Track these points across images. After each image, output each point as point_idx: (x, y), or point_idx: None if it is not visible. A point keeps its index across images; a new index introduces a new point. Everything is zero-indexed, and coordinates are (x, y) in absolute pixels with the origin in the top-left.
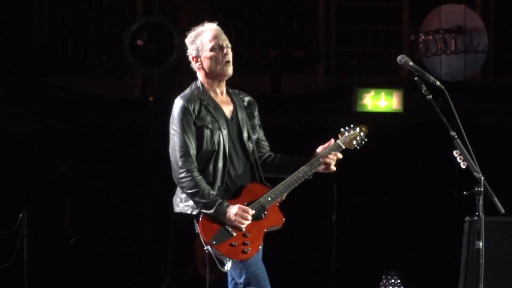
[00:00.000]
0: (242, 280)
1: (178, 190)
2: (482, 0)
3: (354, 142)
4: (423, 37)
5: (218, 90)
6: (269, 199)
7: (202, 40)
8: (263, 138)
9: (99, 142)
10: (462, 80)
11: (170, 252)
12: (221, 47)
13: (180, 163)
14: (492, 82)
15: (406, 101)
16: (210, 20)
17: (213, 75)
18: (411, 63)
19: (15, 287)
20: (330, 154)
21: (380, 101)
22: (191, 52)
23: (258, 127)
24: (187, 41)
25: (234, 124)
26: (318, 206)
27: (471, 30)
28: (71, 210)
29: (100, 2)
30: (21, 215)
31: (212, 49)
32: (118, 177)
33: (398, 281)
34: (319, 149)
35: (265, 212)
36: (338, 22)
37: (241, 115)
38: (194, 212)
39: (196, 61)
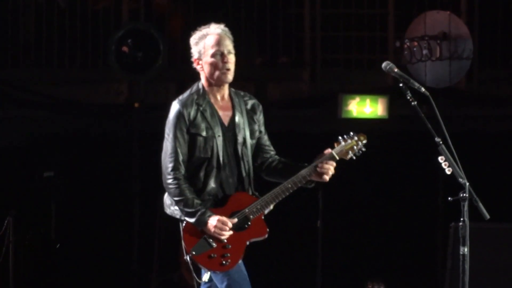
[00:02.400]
0: (223, 286)
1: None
2: (467, 6)
3: (351, 152)
4: (408, 43)
5: (218, 95)
6: (254, 210)
7: (205, 44)
8: (267, 142)
9: (85, 148)
10: (447, 87)
11: (155, 258)
12: (222, 54)
13: (169, 169)
14: (477, 88)
15: (391, 107)
16: (196, 25)
17: (212, 81)
18: (396, 70)
19: None
20: (325, 164)
21: (365, 107)
22: (193, 53)
23: (259, 132)
24: (192, 42)
25: (229, 130)
26: (303, 213)
27: (456, 37)
28: (56, 215)
29: (86, 8)
30: (6, 221)
31: (213, 55)
32: (104, 183)
33: (383, 287)
34: (316, 158)
35: (249, 223)
36: (323, 28)
37: (239, 120)
38: (182, 218)
39: (198, 64)
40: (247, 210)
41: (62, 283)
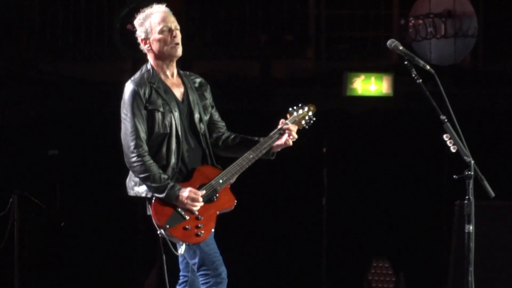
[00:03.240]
0: (196, 260)
1: (132, 173)
2: None
3: (303, 122)
4: (413, 21)
5: (168, 72)
6: (221, 181)
7: (151, 22)
8: (219, 118)
9: (89, 126)
10: (452, 64)
11: (160, 237)
12: (169, 29)
13: (131, 148)
14: (482, 66)
15: (396, 85)
16: (200, 4)
17: (162, 57)
18: (401, 47)
19: (6, 271)
20: (289, 127)
21: (370, 85)
22: (140, 34)
23: (210, 108)
24: (136, 23)
25: (185, 106)
26: (308, 191)
27: (461, 15)
28: (61, 194)
29: None
30: (11, 199)
31: (161, 32)
32: (108, 161)
33: (388, 265)
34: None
35: (217, 195)
36: (328, 6)
37: (192, 97)
38: (149, 195)
39: (145, 43)
40: (213, 182)
41: (67, 262)
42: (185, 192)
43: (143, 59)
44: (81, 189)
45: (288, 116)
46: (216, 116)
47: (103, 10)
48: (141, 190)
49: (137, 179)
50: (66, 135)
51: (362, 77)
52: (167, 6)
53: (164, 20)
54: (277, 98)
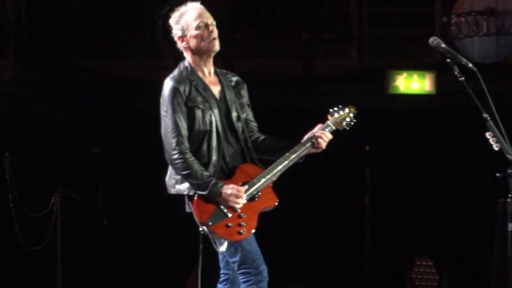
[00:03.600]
0: (237, 258)
1: (172, 171)
2: None
3: (344, 123)
4: (455, 19)
5: (206, 70)
6: (263, 180)
7: (187, 19)
8: (252, 118)
9: (132, 124)
10: (494, 62)
11: (201, 237)
12: (206, 25)
13: (173, 145)
14: None
15: (438, 83)
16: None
17: (200, 52)
18: (443, 45)
19: (48, 269)
20: (323, 132)
21: (412, 83)
22: (176, 32)
23: (247, 107)
24: (172, 21)
25: (223, 104)
26: (352, 189)
27: (503, 12)
28: (104, 192)
29: None
30: (54, 197)
31: (197, 28)
32: (150, 158)
33: (431, 264)
34: (308, 134)
35: (259, 193)
36: (370, 4)
37: (229, 95)
38: (191, 193)
39: (182, 41)
40: (255, 180)
41: (108, 261)
42: (228, 189)
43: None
44: (123, 187)
45: (328, 116)
46: (250, 115)
47: (145, 7)
48: (183, 187)
49: (178, 177)
50: (109, 133)
51: (405, 75)
52: (210, 5)
53: (200, 16)
54: (319, 96)
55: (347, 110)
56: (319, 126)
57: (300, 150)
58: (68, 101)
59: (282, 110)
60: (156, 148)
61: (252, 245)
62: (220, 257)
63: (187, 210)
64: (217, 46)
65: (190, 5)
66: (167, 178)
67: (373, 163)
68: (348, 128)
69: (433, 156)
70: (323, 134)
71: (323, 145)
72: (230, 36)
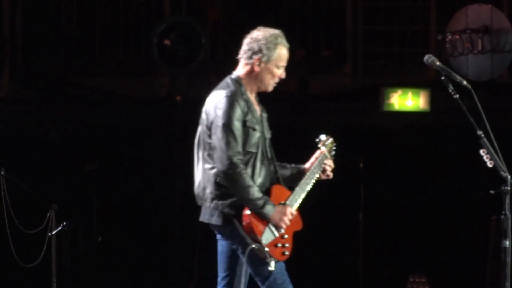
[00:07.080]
0: (268, 276)
1: (208, 183)
2: (509, 0)
3: (332, 153)
4: (450, 37)
5: (253, 92)
6: (294, 202)
7: (280, 54)
8: None
9: (127, 141)
10: (489, 80)
11: (197, 252)
12: (283, 70)
13: (233, 159)
14: None
15: (433, 100)
16: (236, 17)
17: (258, 82)
18: (438, 63)
19: (43, 286)
20: (327, 161)
21: (407, 100)
22: (262, 52)
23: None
24: (267, 40)
25: (262, 127)
26: (345, 206)
27: (498, 30)
28: (98, 209)
29: (128, 1)
30: (48, 214)
31: (278, 68)
32: (145, 176)
33: (425, 280)
34: (308, 164)
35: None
36: (365, 22)
37: (266, 119)
38: (233, 211)
39: (258, 61)
40: (288, 202)
41: (104, 277)
42: (282, 209)
43: (180, 74)
44: (118, 204)
45: (320, 146)
46: None
47: (141, 25)
48: (222, 206)
49: (218, 192)
50: (104, 150)
51: (399, 92)
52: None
53: (286, 60)
54: (314, 114)
55: (331, 140)
56: (321, 152)
57: (313, 180)
58: (63, 118)
59: (276, 128)
60: (150, 164)
61: (282, 265)
62: (219, 278)
63: (206, 221)
64: (271, 89)
65: (284, 39)
66: (199, 189)
67: (367, 180)
68: (333, 158)
69: (427, 173)
70: (329, 166)
71: (331, 175)
72: (227, 52)
